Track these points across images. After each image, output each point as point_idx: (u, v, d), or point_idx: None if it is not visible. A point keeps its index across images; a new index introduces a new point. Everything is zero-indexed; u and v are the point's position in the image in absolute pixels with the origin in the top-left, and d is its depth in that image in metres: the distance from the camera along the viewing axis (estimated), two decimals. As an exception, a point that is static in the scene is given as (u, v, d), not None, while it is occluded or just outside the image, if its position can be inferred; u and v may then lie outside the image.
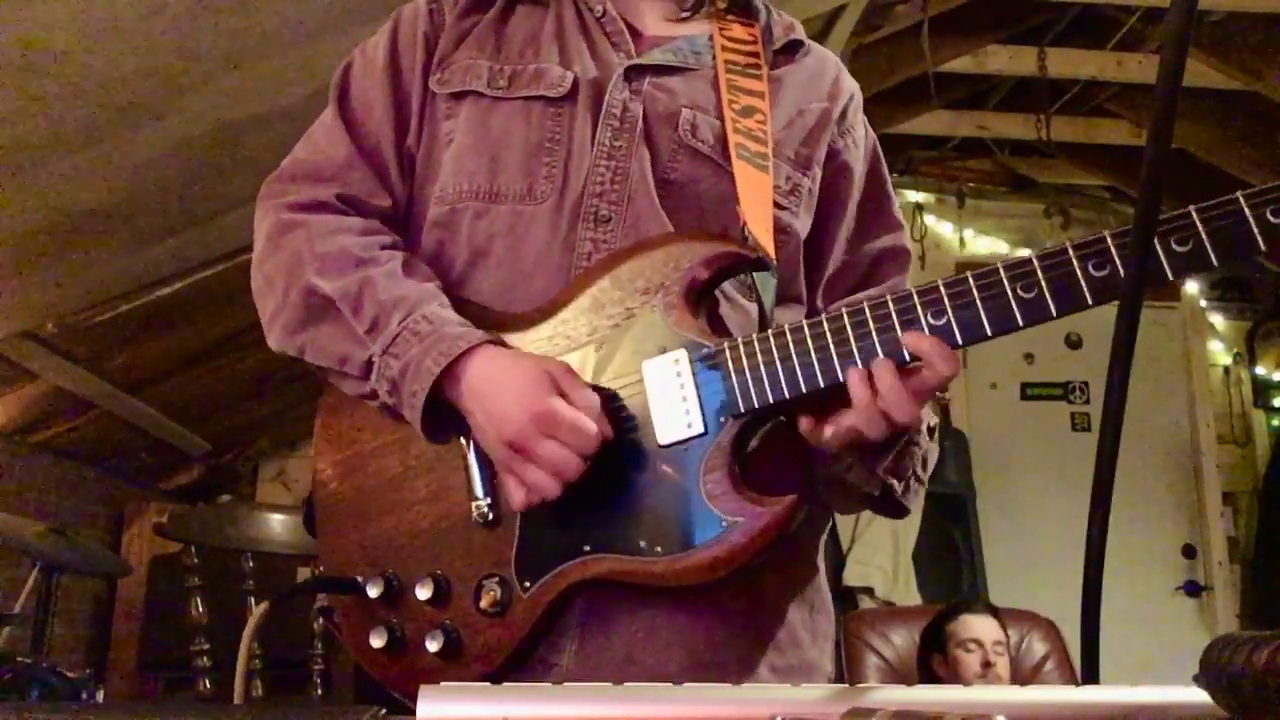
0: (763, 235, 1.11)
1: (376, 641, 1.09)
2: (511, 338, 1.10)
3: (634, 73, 1.18)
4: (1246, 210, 0.90)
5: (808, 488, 1.14)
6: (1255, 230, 0.89)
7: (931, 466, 1.16)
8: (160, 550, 4.27)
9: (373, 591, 1.10)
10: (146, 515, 4.49)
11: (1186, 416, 5.37)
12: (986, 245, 5.46)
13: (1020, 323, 0.96)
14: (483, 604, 1.06)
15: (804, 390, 1.01)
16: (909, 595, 4.39)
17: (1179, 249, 0.91)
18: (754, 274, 1.13)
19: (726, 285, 1.13)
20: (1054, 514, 4.81)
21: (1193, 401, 5.38)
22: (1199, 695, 0.61)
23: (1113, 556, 0.70)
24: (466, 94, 1.19)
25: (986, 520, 4.71)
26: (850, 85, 1.30)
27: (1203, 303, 5.60)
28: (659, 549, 1.02)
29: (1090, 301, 0.94)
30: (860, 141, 1.28)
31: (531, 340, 1.10)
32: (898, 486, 1.12)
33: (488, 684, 0.67)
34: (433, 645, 1.06)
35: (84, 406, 3.71)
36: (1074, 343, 5.33)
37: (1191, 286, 5.56)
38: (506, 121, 1.17)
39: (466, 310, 1.11)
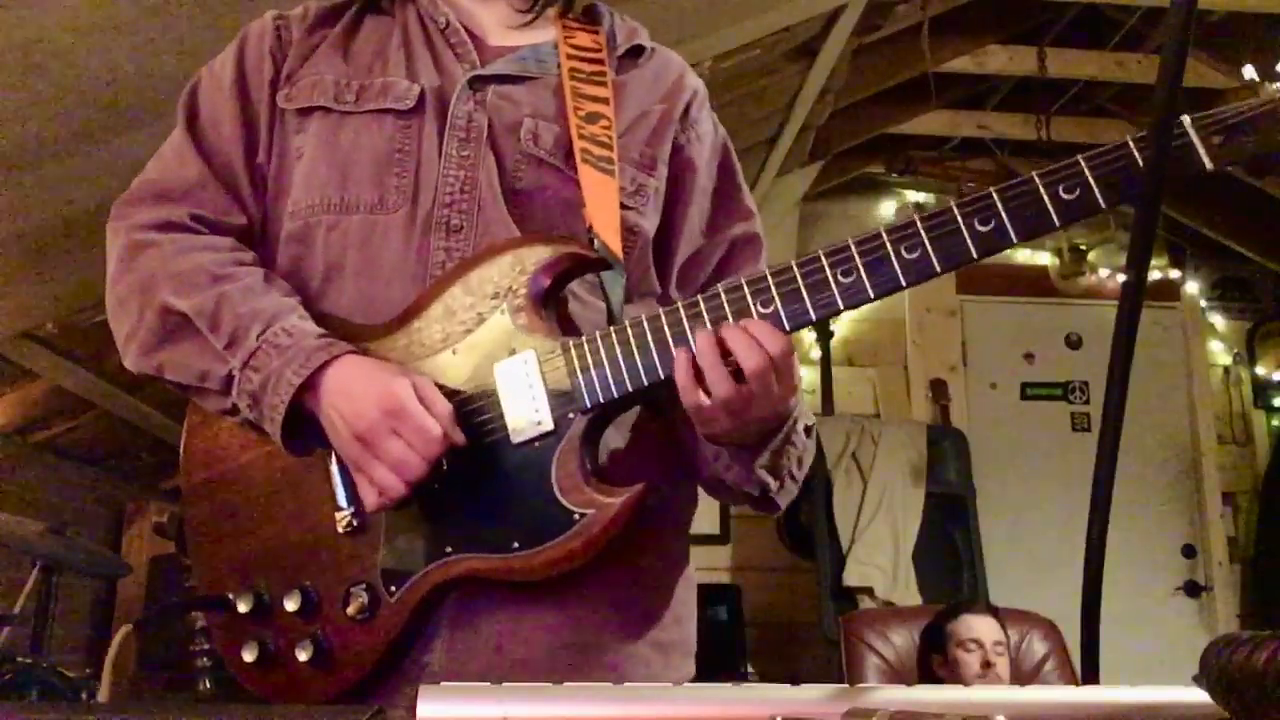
0: (610, 236, 1.14)
1: (248, 655, 1.11)
2: (369, 347, 1.12)
3: (477, 83, 1.20)
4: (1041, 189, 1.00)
5: (665, 473, 1.18)
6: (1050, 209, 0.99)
7: (808, 466, 1.19)
8: (160, 550, 4.27)
9: (242, 607, 1.12)
10: (146, 515, 4.49)
11: (1186, 416, 5.37)
12: (986, 245, 5.45)
13: (841, 305, 1.02)
14: (350, 611, 1.08)
15: (645, 382, 1.05)
16: (909, 595, 4.38)
17: (982, 228, 1.00)
18: (601, 274, 1.16)
19: (576, 286, 1.16)
20: (1054, 514, 4.81)
21: (1193, 401, 5.37)
22: (1199, 695, 0.61)
23: (1113, 556, 0.70)
24: (314, 109, 1.20)
25: (986, 520, 4.70)
26: (693, 83, 1.32)
27: (1203, 303, 5.60)
28: (516, 545, 1.05)
29: (904, 281, 1.00)
30: (705, 136, 1.30)
31: (387, 349, 1.12)
32: (773, 485, 1.15)
33: (487, 684, 0.67)
34: (302, 655, 1.08)
35: (84, 406, 3.71)
36: (1074, 343, 5.33)
37: (1191, 286, 5.56)
38: (356, 135, 1.18)
39: (326, 324, 1.12)
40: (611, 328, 1.08)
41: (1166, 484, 5.24)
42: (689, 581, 1.24)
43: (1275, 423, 5.53)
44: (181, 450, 1.23)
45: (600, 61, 1.25)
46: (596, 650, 1.12)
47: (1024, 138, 4.96)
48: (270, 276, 1.16)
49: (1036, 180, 1.01)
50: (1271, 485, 5.31)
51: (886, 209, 5.47)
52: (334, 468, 1.11)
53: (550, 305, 1.12)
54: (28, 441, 3.81)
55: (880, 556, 4.43)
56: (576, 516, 1.04)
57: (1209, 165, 0.97)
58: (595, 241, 1.14)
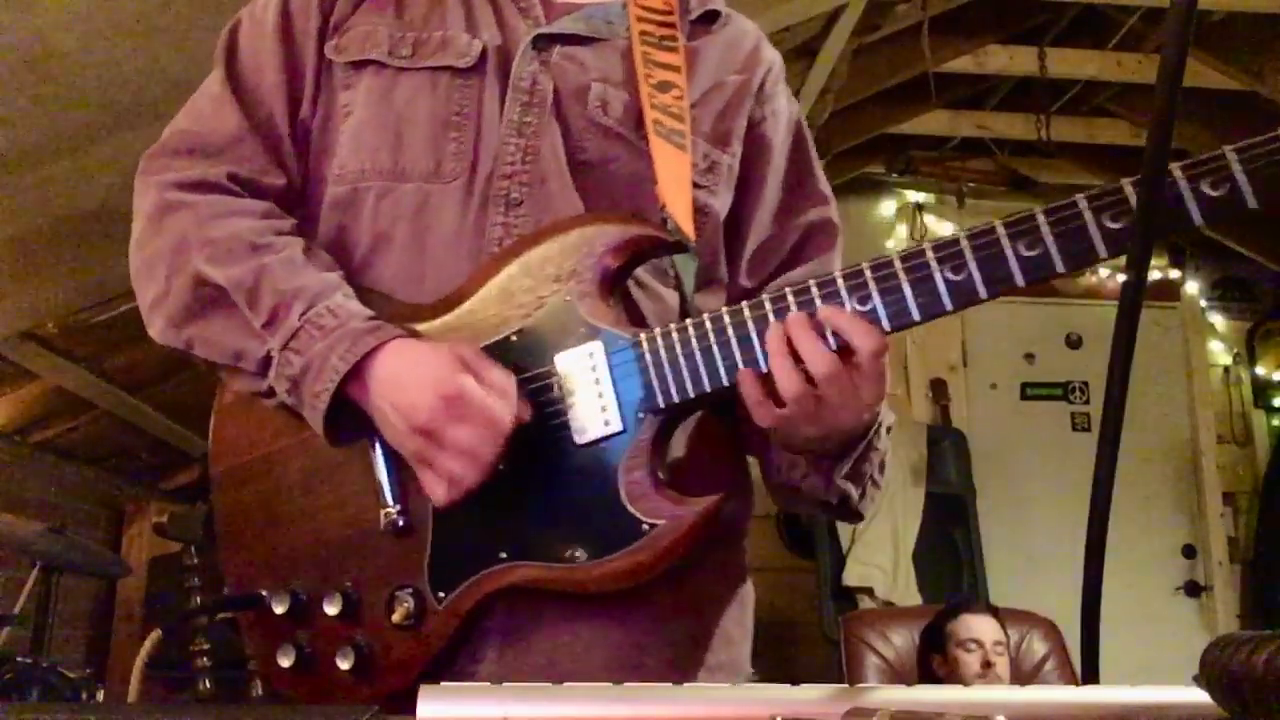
0: (682, 217, 1.05)
1: (284, 661, 1.03)
2: (417, 329, 1.03)
3: (542, 42, 1.10)
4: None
5: (735, 481, 1.10)
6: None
7: (887, 468, 1.10)
8: (160, 550, 4.27)
9: (278, 609, 1.04)
10: (146, 515, 4.49)
11: (1186, 416, 5.36)
12: (986, 245, 5.45)
13: (949, 306, 0.92)
14: (395, 618, 0.99)
15: (725, 383, 0.96)
16: (909, 595, 4.38)
17: (1111, 225, 0.89)
18: (674, 258, 1.07)
19: (642, 273, 1.07)
20: (1054, 514, 4.81)
21: (1193, 401, 5.37)
22: (1199, 695, 0.61)
23: (1113, 556, 0.70)
24: (366, 63, 1.10)
25: (986, 520, 4.70)
26: (770, 55, 1.21)
27: (1203, 303, 5.60)
28: (578, 554, 0.96)
29: (1021, 280, 0.90)
30: (780, 113, 1.20)
31: (437, 331, 1.03)
32: (854, 494, 1.06)
33: (487, 684, 0.66)
34: (344, 663, 1.00)
35: (84, 406, 3.71)
36: (1074, 343, 5.33)
37: (1191, 286, 5.56)
38: (411, 94, 1.08)
39: (369, 300, 1.04)
40: (689, 321, 0.98)
41: (1166, 484, 5.24)
42: (742, 599, 1.15)
43: (1275, 423, 5.53)
44: (210, 433, 1.14)
45: (671, 25, 1.14)
46: (652, 673, 1.02)
47: (1024, 138, 4.96)
48: (311, 248, 1.06)
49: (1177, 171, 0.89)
50: (1271, 485, 5.31)
51: (887, 209, 5.47)
52: (379, 460, 1.01)
53: (618, 291, 1.02)
54: (28, 441, 3.81)
55: (880, 556, 4.43)
56: (645, 527, 0.95)
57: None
58: (669, 222, 1.04)
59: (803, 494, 1.09)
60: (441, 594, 0.99)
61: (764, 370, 0.95)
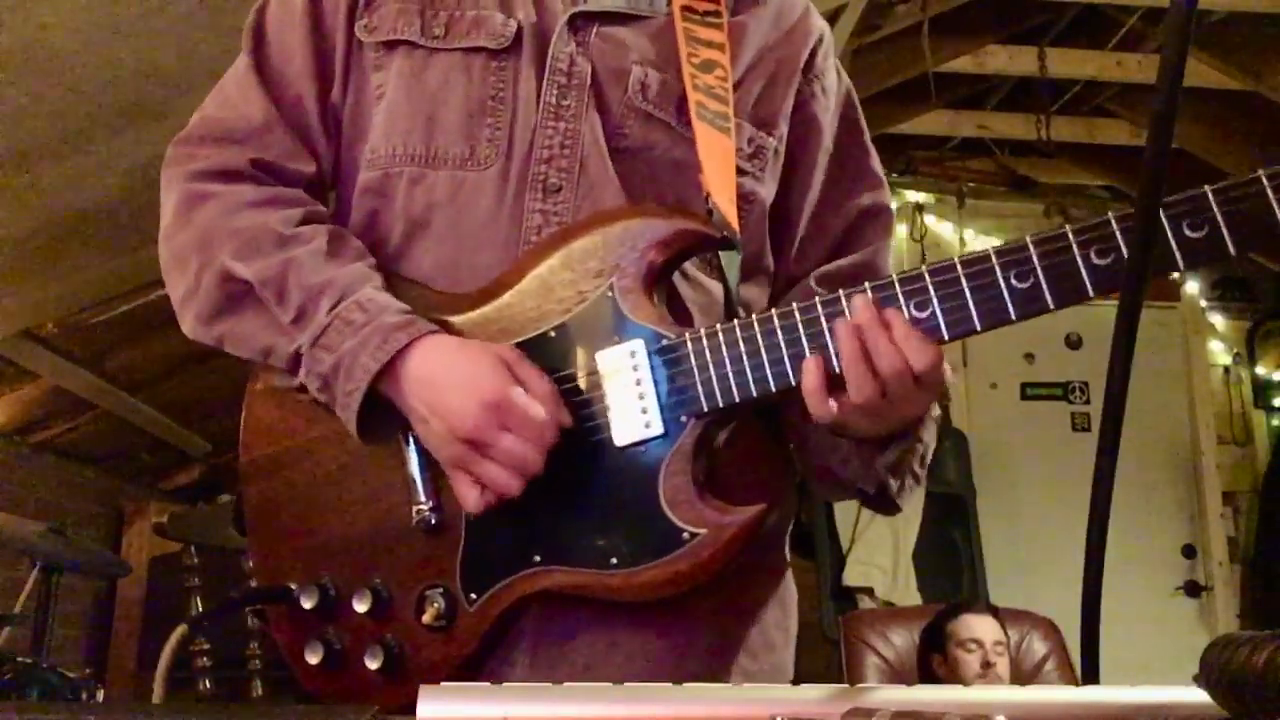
0: (726, 205, 1.00)
1: (312, 657, 1.00)
2: (453, 322, 1.00)
3: (580, 21, 1.06)
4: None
5: (781, 490, 1.07)
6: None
7: (929, 459, 1.06)
8: (160, 550, 4.27)
9: (307, 603, 1.01)
10: (146, 515, 4.49)
11: (1186, 416, 5.36)
12: (987, 245, 5.45)
13: (1013, 315, 0.88)
14: (425, 618, 0.97)
15: (773, 388, 0.92)
16: (909, 595, 4.38)
17: (1192, 234, 0.84)
18: (719, 252, 1.04)
19: (687, 264, 1.03)
20: (1054, 514, 4.80)
21: (1193, 401, 5.37)
22: (1199, 695, 0.61)
23: (1113, 556, 0.70)
24: (398, 44, 1.06)
25: (986, 520, 4.70)
26: (819, 25, 1.16)
27: (1203, 303, 5.60)
28: (614, 561, 0.93)
29: (1092, 292, 0.86)
30: (831, 90, 1.15)
31: (473, 325, 1.00)
32: (893, 485, 1.02)
33: (488, 684, 0.66)
34: (373, 663, 0.98)
35: (84, 406, 3.71)
36: (1074, 343, 5.33)
37: (1191, 286, 5.56)
38: (445, 76, 1.05)
39: (403, 290, 1.01)
40: (735, 322, 0.94)
41: (1166, 484, 5.23)
42: (784, 602, 1.13)
43: (1275, 423, 5.53)
44: (242, 421, 1.11)
45: (717, 0, 1.09)
46: (690, 679, 0.97)
47: (1024, 138, 4.96)
48: (342, 235, 1.04)
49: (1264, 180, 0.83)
50: (1271, 485, 5.30)
51: (886, 209, 5.46)
52: (412, 455, 0.99)
53: (662, 288, 0.99)
54: (28, 441, 3.81)
55: (880, 556, 4.43)
56: (686, 536, 0.92)
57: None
58: (714, 214, 1.00)
59: (840, 480, 1.05)
60: (473, 595, 0.97)
61: (832, 368, 0.91)
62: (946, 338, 0.90)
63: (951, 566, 4.54)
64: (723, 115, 1.04)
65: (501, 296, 1.00)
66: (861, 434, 0.96)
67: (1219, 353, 5.59)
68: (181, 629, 1.10)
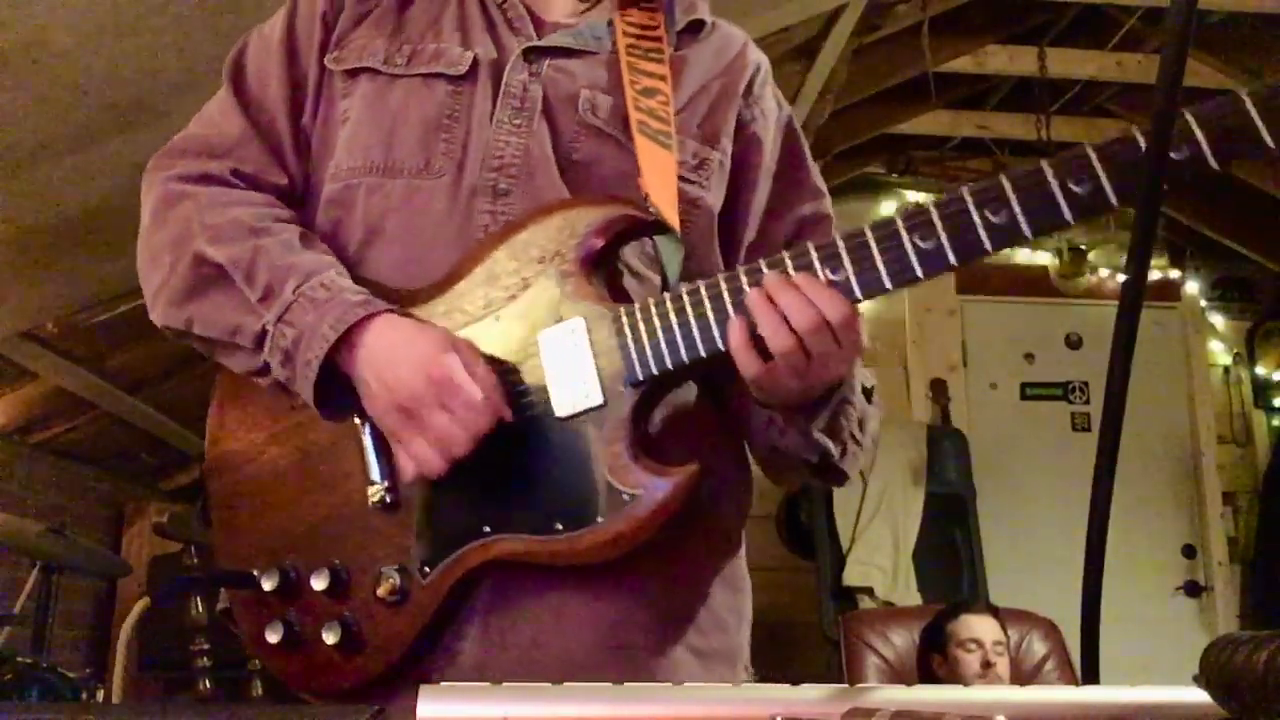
0: (668, 210, 1.07)
1: (272, 636, 1.05)
2: (408, 312, 1.06)
3: (533, 54, 1.15)
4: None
5: (720, 458, 1.12)
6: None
7: (871, 431, 1.13)
8: (160, 550, 4.27)
9: (268, 585, 1.06)
10: (146, 515, 4.49)
11: (1186, 416, 5.36)
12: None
13: (920, 273, 0.94)
14: (381, 592, 1.02)
15: (702, 353, 0.98)
16: (909, 595, 4.38)
17: (1077, 189, 0.92)
18: (657, 242, 1.10)
19: (632, 259, 1.10)
20: (1054, 514, 4.81)
21: (1193, 401, 5.37)
22: (1199, 695, 0.61)
23: (1113, 556, 0.70)
24: (362, 71, 1.16)
25: (986, 520, 4.70)
26: (756, 57, 1.26)
27: (1203, 303, 5.60)
28: (559, 526, 0.99)
29: (990, 246, 0.93)
30: (770, 113, 1.24)
31: (427, 314, 1.06)
32: (834, 449, 1.08)
33: (487, 684, 0.66)
34: (330, 638, 1.02)
35: (84, 406, 3.71)
36: (1074, 343, 5.33)
37: (1191, 286, 5.56)
38: (404, 98, 1.14)
39: (363, 286, 1.07)
40: (666, 295, 1.02)
41: (1166, 484, 5.23)
42: (734, 583, 1.17)
43: (1275, 423, 5.53)
44: (208, 421, 1.17)
45: (658, 39, 1.19)
46: (638, 653, 1.05)
47: (1024, 138, 4.95)
48: (309, 234, 1.12)
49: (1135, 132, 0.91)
50: (1271, 485, 5.30)
51: (886, 209, 5.47)
52: (367, 439, 1.04)
53: (601, 272, 1.05)
54: (28, 441, 3.81)
55: (880, 556, 4.43)
56: (625, 497, 0.97)
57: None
58: (651, 207, 1.07)
59: (785, 455, 1.11)
60: (427, 569, 1.02)
61: (753, 330, 0.97)
62: (860, 296, 0.96)
63: (951, 566, 4.54)
64: (664, 133, 1.12)
65: (453, 288, 1.07)
66: (792, 398, 1.02)
67: (1219, 353, 5.59)
68: (143, 601, 1.14)
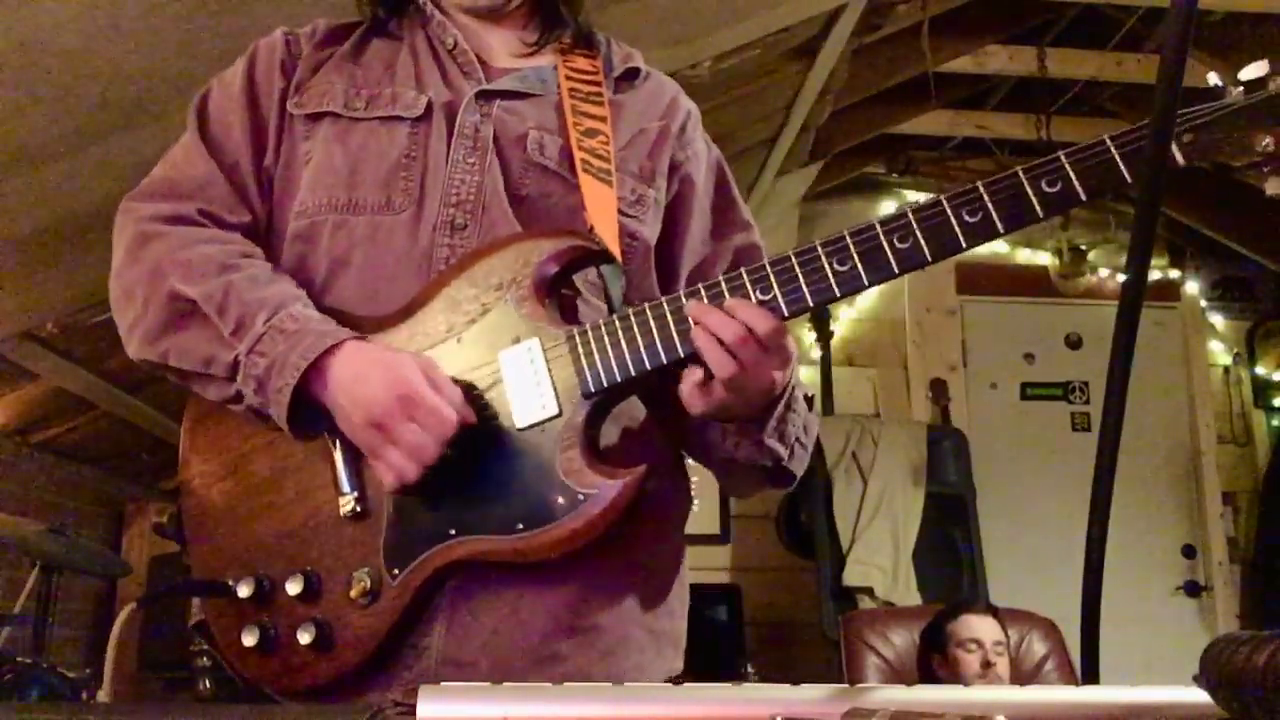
0: (610, 241, 1.17)
1: (248, 640, 1.12)
2: (373, 337, 1.14)
3: (483, 97, 1.24)
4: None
5: (662, 461, 1.22)
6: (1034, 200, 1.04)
7: (813, 435, 1.24)
8: (160, 550, 4.27)
9: (243, 591, 1.13)
10: (146, 515, 4.49)
11: (1186, 416, 5.36)
12: (986, 245, 5.46)
13: (838, 293, 1.07)
14: (353, 593, 1.09)
15: (647, 367, 1.09)
16: (909, 595, 4.38)
17: (970, 220, 1.05)
18: (603, 273, 1.19)
19: (581, 286, 1.20)
20: (1054, 514, 4.81)
21: (1193, 401, 5.37)
22: (1199, 695, 0.61)
23: (1113, 556, 0.70)
24: (324, 115, 1.24)
25: (986, 520, 4.70)
26: (686, 105, 1.37)
27: (1203, 303, 5.60)
28: (520, 526, 1.07)
29: (897, 270, 1.05)
30: (700, 155, 1.36)
31: (390, 338, 1.14)
32: (784, 453, 1.19)
33: (487, 684, 0.67)
34: (304, 638, 1.09)
35: (84, 406, 3.71)
36: (1074, 343, 5.33)
37: (1191, 286, 5.56)
38: (365, 139, 1.22)
39: (329, 316, 1.15)
40: (614, 315, 1.12)
41: (1166, 484, 5.24)
42: (683, 579, 1.28)
43: (1275, 423, 5.53)
44: (181, 445, 1.25)
45: (598, 84, 1.30)
46: (594, 632, 1.14)
47: (1024, 138, 4.95)
48: (275, 270, 1.19)
49: (1021, 174, 1.05)
50: (1271, 485, 5.31)
51: (886, 209, 5.46)
52: (338, 454, 1.12)
53: (554, 296, 1.15)
54: (28, 441, 3.81)
55: (880, 556, 4.43)
56: (580, 497, 1.06)
57: (1180, 161, 1.02)
58: (596, 239, 1.17)
59: (741, 463, 1.21)
60: (396, 571, 1.10)
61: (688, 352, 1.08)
62: (786, 314, 1.07)
63: (951, 566, 4.54)
64: (605, 170, 1.23)
65: (415, 315, 1.15)
66: (737, 412, 1.13)
67: (1219, 353, 5.60)
68: (130, 607, 1.18)
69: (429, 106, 1.23)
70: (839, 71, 3.85)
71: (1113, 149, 1.02)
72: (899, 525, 4.51)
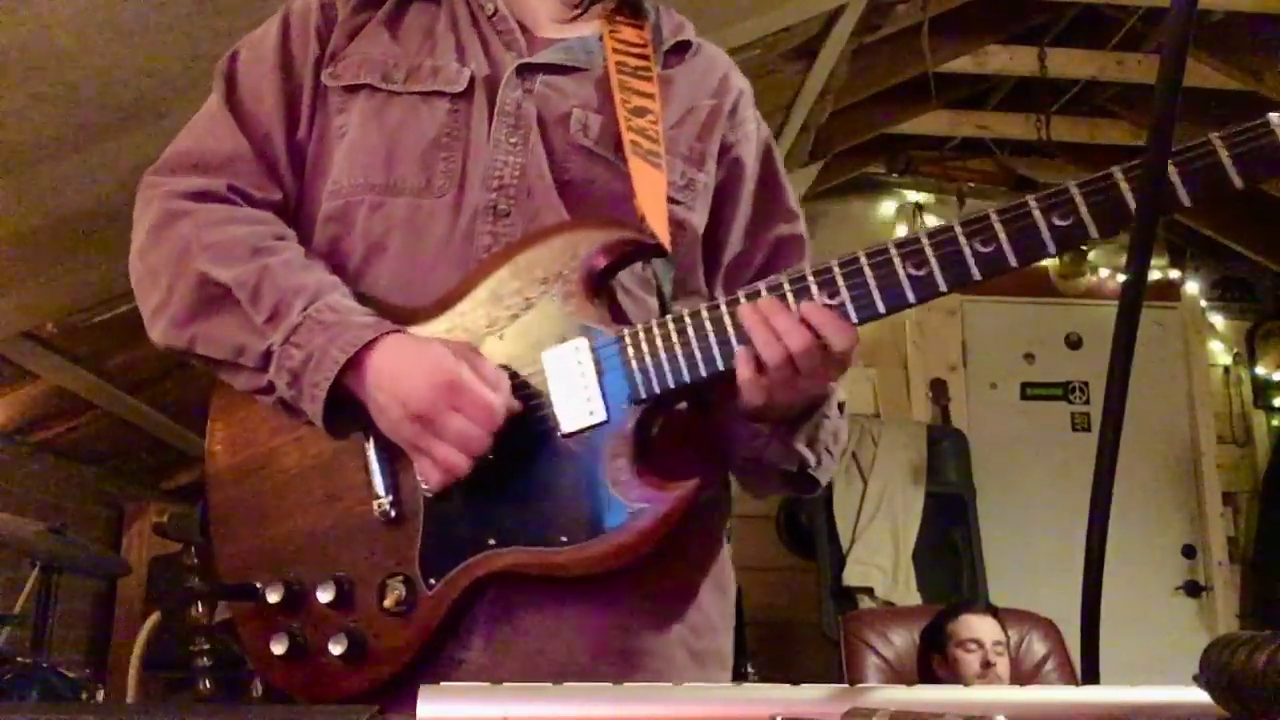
0: (659, 228, 1.09)
1: (277, 648, 1.06)
2: (410, 330, 1.07)
3: (526, 71, 1.16)
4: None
5: (711, 471, 1.14)
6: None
7: (843, 442, 1.18)
8: (160, 550, 4.27)
9: (272, 597, 1.07)
10: (146, 515, 4.49)
11: (1186, 416, 5.36)
12: (986, 245, 5.45)
13: (911, 299, 0.98)
14: (387, 603, 1.03)
15: (704, 374, 1.01)
16: (909, 595, 4.38)
17: (1060, 223, 0.96)
18: (654, 266, 1.13)
19: (625, 279, 1.12)
20: (1054, 514, 4.81)
21: (1193, 401, 5.37)
22: (1199, 695, 0.61)
23: (1113, 556, 0.70)
24: (360, 88, 1.16)
25: (986, 520, 4.70)
26: (739, 82, 1.29)
27: (1203, 303, 5.60)
28: (564, 539, 1.01)
29: (979, 275, 0.97)
30: (751, 136, 1.27)
31: (429, 332, 1.07)
32: (811, 459, 1.13)
33: (487, 684, 0.66)
34: (336, 649, 1.03)
35: (84, 406, 3.71)
36: (1074, 343, 5.33)
37: (1191, 286, 5.56)
38: (403, 115, 1.14)
39: (364, 304, 1.08)
40: (668, 317, 1.04)
41: (1166, 484, 5.23)
42: (724, 587, 1.21)
43: (1275, 423, 5.53)
44: (206, 434, 1.18)
45: (646, 57, 1.21)
46: (639, 656, 1.08)
47: (1024, 138, 4.95)
48: (310, 254, 1.12)
49: (1116, 173, 1.00)
50: (1271, 485, 5.30)
51: (886, 209, 5.47)
52: (371, 453, 1.06)
53: (603, 292, 1.08)
54: (28, 441, 3.81)
55: (880, 556, 4.43)
56: (630, 511, 0.99)
57: (1238, 184, 1.00)
58: (647, 229, 1.10)
59: (765, 464, 1.14)
60: (432, 580, 1.03)
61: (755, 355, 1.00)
62: (855, 320, 1.00)
63: (951, 566, 4.54)
64: (654, 153, 1.14)
65: (455, 307, 1.08)
66: (778, 412, 1.05)
67: (1219, 353, 5.59)
68: (154, 617, 1.14)
69: (471, 81, 1.15)
70: (839, 71, 3.85)
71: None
72: (899, 525, 4.51)
